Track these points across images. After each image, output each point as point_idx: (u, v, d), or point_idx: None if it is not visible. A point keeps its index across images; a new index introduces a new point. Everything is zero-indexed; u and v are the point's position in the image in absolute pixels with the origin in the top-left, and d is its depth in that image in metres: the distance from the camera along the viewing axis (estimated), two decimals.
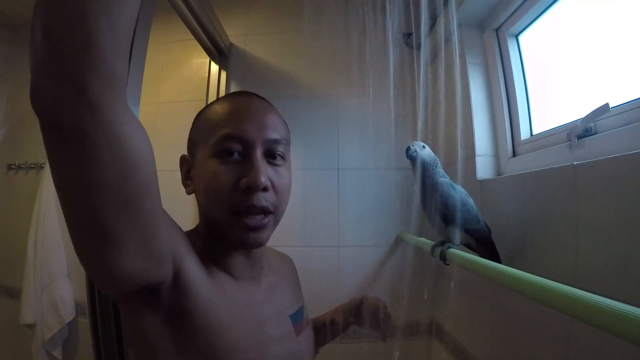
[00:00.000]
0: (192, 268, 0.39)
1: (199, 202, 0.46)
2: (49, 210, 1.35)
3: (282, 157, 0.45)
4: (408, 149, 0.69)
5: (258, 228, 0.42)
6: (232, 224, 0.41)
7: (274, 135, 0.43)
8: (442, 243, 0.69)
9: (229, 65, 1.32)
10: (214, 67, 1.30)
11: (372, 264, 1.17)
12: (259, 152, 0.42)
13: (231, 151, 0.41)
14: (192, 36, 1.11)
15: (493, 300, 0.79)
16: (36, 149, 1.47)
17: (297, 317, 0.50)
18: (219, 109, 0.45)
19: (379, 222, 1.19)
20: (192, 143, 0.47)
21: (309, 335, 0.52)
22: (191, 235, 0.46)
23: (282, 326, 0.47)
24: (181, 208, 1.27)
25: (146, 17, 0.63)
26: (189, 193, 0.47)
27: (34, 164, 1.46)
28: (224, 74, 1.29)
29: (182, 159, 0.48)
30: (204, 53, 1.25)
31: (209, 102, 1.32)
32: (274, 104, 0.49)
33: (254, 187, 0.40)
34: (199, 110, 0.49)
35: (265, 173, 0.41)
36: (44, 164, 1.40)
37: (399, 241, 1.18)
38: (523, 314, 0.67)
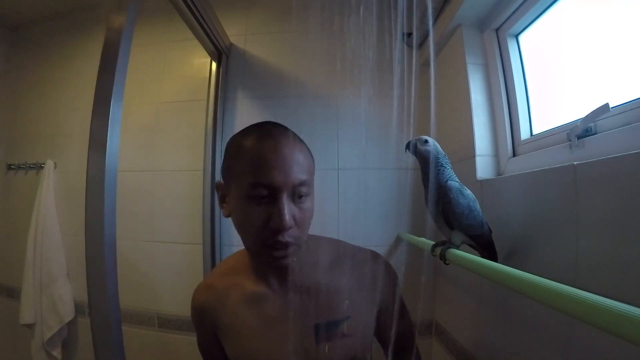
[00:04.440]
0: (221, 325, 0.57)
1: (237, 230, 0.53)
2: (49, 210, 1.36)
3: (307, 195, 0.50)
4: (408, 144, 0.66)
5: (283, 257, 0.49)
6: (262, 254, 0.50)
7: (299, 178, 0.48)
8: (443, 243, 0.69)
9: (229, 65, 1.32)
10: (215, 67, 1.30)
11: None
12: (285, 196, 0.47)
13: (261, 196, 0.47)
14: (192, 36, 1.11)
15: (493, 300, 0.79)
16: (36, 148, 1.48)
17: (324, 327, 0.54)
18: (248, 151, 0.48)
19: (379, 222, 1.19)
20: (226, 176, 0.53)
21: (339, 347, 0.54)
22: (242, 254, 0.61)
23: (299, 330, 0.54)
24: (181, 206, 1.28)
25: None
26: (225, 216, 0.54)
27: (34, 164, 1.46)
28: (224, 74, 1.29)
29: (218, 186, 0.55)
30: (204, 53, 1.25)
31: (209, 103, 1.32)
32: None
33: (280, 228, 0.46)
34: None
35: (290, 214, 0.47)
36: (44, 163, 1.40)
37: (399, 241, 1.18)
38: (523, 314, 0.67)
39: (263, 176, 0.46)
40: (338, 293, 0.56)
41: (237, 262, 0.62)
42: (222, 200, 0.54)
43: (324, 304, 0.55)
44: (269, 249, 0.48)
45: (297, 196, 0.48)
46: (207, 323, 0.58)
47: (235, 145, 0.51)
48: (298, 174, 0.48)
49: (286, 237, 0.47)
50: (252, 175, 0.47)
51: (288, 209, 0.46)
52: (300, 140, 0.52)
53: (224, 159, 0.54)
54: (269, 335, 0.54)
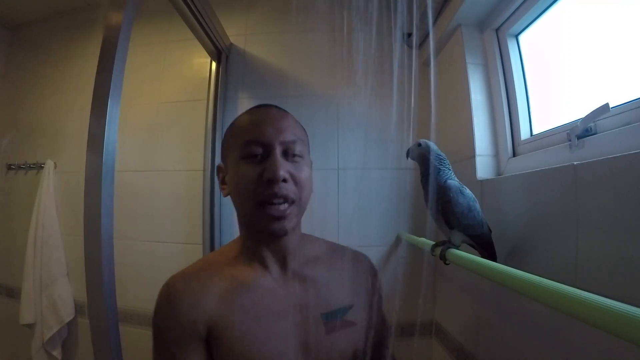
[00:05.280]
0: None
1: (234, 203, 0.52)
2: (49, 210, 1.36)
3: (300, 155, 0.51)
4: (408, 151, 0.68)
5: (280, 217, 0.47)
6: (258, 214, 0.48)
7: (289, 137, 0.49)
8: (443, 243, 0.69)
9: (229, 65, 1.32)
10: (215, 67, 1.30)
11: None
12: (277, 152, 0.48)
13: (254, 154, 0.48)
14: (192, 36, 1.11)
15: (493, 300, 0.79)
16: (36, 149, 1.48)
17: (331, 316, 0.52)
18: (242, 120, 0.52)
19: (379, 222, 1.19)
20: (224, 153, 0.55)
21: (346, 337, 0.52)
22: (234, 242, 0.56)
23: (306, 319, 0.51)
24: (181, 206, 1.28)
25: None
26: (225, 195, 0.54)
27: (34, 164, 1.46)
28: (224, 74, 1.29)
29: (218, 168, 0.56)
30: (204, 53, 1.25)
31: (209, 103, 1.32)
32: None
33: (274, 179, 0.46)
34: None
35: (284, 167, 0.47)
36: (44, 163, 1.40)
37: (399, 241, 1.18)
38: (523, 314, 0.67)
39: (255, 134, 0.48)
40: (337, 281, 0.55)
41: (228, 251, 0.55)
42: (222, 182, 0.55)
43: (326, 291, 0.53)
44: (264, 207, 0.47)
45: (290, 155, 0.50)
46: (186, 319, 0.47)
47: (230, 126, 0.55)
48: (289, 132, 0.50)
49: (282, 190, 0.46)
50: (245, 136, 0.49)
51: (281, 161, 0.47)
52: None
53: (222, 144, 0.56)
54: (272, 326, 0.49)
